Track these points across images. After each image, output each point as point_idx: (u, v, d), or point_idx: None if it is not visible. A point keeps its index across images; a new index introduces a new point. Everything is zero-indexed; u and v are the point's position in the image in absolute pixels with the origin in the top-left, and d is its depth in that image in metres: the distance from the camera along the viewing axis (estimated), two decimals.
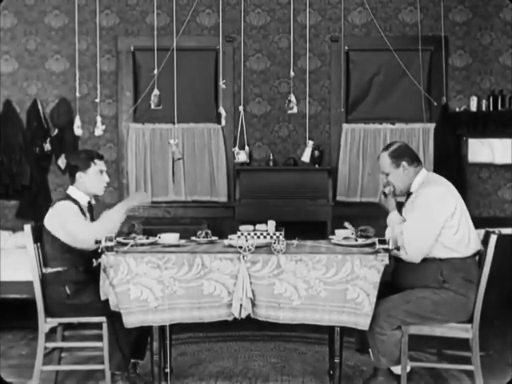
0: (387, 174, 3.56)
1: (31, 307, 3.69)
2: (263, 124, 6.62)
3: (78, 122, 4.79)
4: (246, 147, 4.53)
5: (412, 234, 3.33)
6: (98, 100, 5.11)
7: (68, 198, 3.71)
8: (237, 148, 4.50)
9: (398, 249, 3.35)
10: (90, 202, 3.79)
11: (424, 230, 3.33)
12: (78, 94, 5.08)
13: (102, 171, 3.77)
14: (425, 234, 3.33)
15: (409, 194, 3.56)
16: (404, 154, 3.52)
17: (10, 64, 6.61)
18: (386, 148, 3.60)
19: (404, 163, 3.50)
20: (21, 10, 6.60)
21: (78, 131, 4.81)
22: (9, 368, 4.18)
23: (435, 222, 3.33)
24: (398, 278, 3.54)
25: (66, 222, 3.56)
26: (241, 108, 4.55)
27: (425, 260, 3.39)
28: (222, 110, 4.54)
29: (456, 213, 3.36)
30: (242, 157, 4.45)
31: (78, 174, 3.72)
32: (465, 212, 3.44)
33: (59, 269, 3.61)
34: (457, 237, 3.36)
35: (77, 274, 3.64)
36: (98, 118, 4.81)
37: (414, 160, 3.54)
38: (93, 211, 3.83)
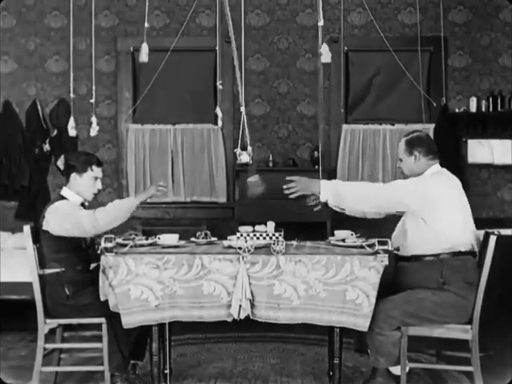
0: (400, 160, 3.61)
1: (30, 308, 3.68)
2: (262, 125, 6.62)
3: (72, 122, 4.75)
4: (249, 148, 4.51)
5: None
6: (92, 100, 5.08)
7: (62, 199, 3.69)
8: (239, 149, 4.48)
9: (397, 249, 3.35)
10: (83, 204, 3.75)
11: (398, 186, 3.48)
12: (72, 95, 5.04)
13: (96, 178, 3.75)
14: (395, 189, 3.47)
15: None
16: (419, 145, 3.55)
17: (9, 64, 6.62)
18: (407, 135, 3.66)
19: (416, 153, 3.53)
20: (20, 10, 6.60)
21: (72, 132, 4.78)
22: (8, 369, 4.17)
23: (410, 187, 3.43)
24: (398, 278, 3.54)
25: (66, 214, 3.53)
26: (242, 109, 4.53)
27: (425, 261, 3.39)
28: (218, 111, 4.53)
29: (442, 197, 3.40)
30: (244, 158, 4.42)
31: (73, 176, 3.71)
32: (459, 202, 3.50)
33: (57, 270, 3.61)
34: (446, 222, 3.37)
35: (75, 274, 3.63)
36: (94, 119, 4.78)
37: (429, 153, 3.55)
38: None
